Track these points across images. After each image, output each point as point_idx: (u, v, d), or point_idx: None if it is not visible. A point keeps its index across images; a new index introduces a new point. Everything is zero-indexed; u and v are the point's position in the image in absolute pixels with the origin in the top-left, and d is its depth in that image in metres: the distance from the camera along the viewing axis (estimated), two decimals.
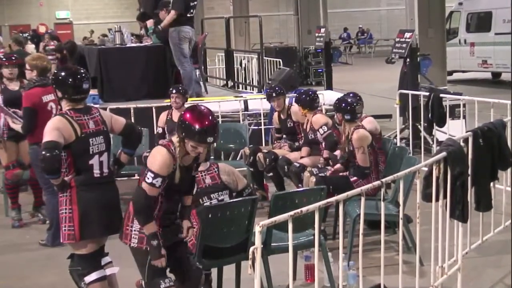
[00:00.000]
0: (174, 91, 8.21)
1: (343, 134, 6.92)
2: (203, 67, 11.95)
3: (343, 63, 29.81)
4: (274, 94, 8.24)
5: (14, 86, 7.54)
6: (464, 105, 9.63)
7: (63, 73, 4.92)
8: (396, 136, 9.97)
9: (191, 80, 10.63)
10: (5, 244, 7.28)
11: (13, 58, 7.71)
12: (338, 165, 6.97)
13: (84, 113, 4.80)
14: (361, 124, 6.81)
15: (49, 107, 6.77)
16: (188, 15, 10.38)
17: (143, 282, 5.46)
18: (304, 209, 3.85)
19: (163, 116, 8.38)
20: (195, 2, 10.55)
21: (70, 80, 4.84)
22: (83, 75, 4.91)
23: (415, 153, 9.34)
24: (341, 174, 6.92)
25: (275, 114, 8.47)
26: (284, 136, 8.36)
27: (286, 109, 8.21)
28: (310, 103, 7.66)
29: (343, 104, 6.81)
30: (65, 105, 4.85)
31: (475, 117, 8.19)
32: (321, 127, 7.49)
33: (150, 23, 11.41)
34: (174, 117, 7.94)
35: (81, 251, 4.79)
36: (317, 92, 8.96)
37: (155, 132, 8.70)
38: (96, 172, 4.79)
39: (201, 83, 11.51)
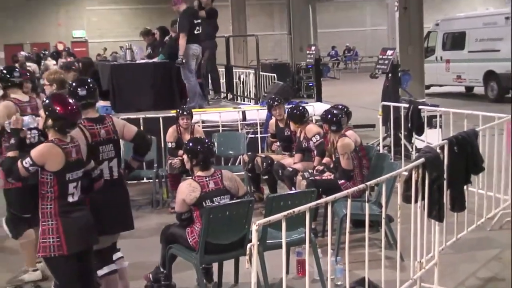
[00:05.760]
0: (184, 113, 8.17)
1: (332, 141, 6.94)
2: (204, 82, 11.97)
3: (332, 78, 29.83)
4: (275, 103, 8.27)
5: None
6: (440, 116, 9.63)
7: (71, 83, 4.92)
8: (379, 143, 9.97)
9: (195, 93, 10.64)
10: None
11: (27, 73, 7.58)
12: (327, 174, 7.01)
13: (97, 122, 4.76)
14: (345, 133, 6.83)
15: None
16: (195, 32, 10.41)
17: (150, 275, 5.48)
18: (296, 209, 3.85)
19: (173, 131, 8.27)
20: (199, 20, 10.59)
21: (70, 87, 4.83)
22: (82, 82, 4.85)
23: (396, 159, 9.33)
24: (329, 177, 6.93)
25: (272, 122, 8.47)
26: (279, 143, 8.34)
27: (285, 119, 8.19)
28: (300, 118, 7.68)
29: (329, 116, 6.87)
30: None
31: (450, 126, 8.20)
32: (314, 136, 7.52)
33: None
34: (184, 137, 7.91)
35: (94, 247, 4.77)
36: (308, 104, 9.01)
37: (162, 141, 8.71)
38: (106, 175, 4.75)
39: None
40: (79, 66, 8.88)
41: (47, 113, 4.23)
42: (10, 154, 4.26)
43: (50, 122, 4.21)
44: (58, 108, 4.20)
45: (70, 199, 4.24)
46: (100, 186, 4.57)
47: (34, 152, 4.13)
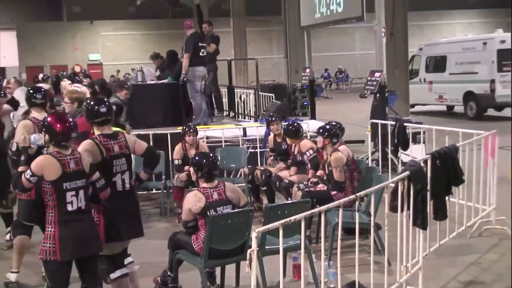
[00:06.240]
0: (191, 131, 8.15)
1: (326, 155, 6.92)
2: (208, 101, 11.99)
3: (325, 98, 29.86)
4: (273, 119, 8.30)
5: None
6: (424, 133, 9.64)
7: (89, 101, 4.94)
8: (368, 158, 9.96)
9: (200, 111, 10.67)
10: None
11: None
12: (321, 185, 7.01)
13: (111, 138, 4.77)
14: (337, 148, 6.83)
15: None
16: (201, 54, 10.45)
17: (158, 278, 5.47)
18: (292, 218, 3.85)
19: (179, 149, 8.23)
20: (204, 44, 10.68)
21: (89, 105, 4.85)
22: (101, 101, 4.87)
23: (384, 172, 9.32)
24: (322, 188, 6.93)
25: (271, 137, 8.49)
26: (278, 157, 8.34)
27: (282, 134, 8.20)
28: (295, 134, 7.71)
29: (329, 131, 6.85)
30: (96, 130, 4.84)
31: (433, 142, 8.19)
32: (308, 150, 7.53)
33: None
34: (190, 153, 7.89)
35: (106, 252, 4.75)
36: (303, 121, 9.02)
37: (169, 155, 8.70)
38: (119, 186, 4.76)
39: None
40: (130, 86, 9.08)
41: (44, 129, 4.33)
42: (20, 169, 4.36)
43: (47, 138, 4.32)
44: (58, 125, 4.30)
45: (69, 208, 4.25)
46: (106, 196, 4.57)
47: (33, 164, 4.24)
